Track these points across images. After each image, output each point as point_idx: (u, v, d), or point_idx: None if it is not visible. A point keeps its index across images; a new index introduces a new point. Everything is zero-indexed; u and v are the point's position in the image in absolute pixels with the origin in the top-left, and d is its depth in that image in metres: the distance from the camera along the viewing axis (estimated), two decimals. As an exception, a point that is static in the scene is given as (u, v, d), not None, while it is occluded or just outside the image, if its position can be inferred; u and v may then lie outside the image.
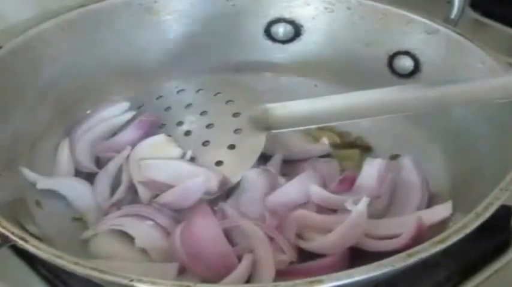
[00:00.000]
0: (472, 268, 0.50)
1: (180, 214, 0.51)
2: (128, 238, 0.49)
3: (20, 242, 0.41)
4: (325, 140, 0.60)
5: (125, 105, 0.62)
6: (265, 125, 0.55)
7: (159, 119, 0.59)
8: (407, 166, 0.55)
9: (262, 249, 0.46)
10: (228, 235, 0.48)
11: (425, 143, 0.60)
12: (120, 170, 0.55)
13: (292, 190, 0.52)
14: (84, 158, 0.57)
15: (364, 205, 0.47)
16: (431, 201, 0.53)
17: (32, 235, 0.43)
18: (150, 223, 0.49)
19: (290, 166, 0.57)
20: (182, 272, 0.45)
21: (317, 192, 0.51)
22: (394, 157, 0.59)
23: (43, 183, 0.54)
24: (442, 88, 0.53)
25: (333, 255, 0.46)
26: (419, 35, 0.62)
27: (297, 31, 0.68)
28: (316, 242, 0.48)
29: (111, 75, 0.64)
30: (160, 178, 0.53)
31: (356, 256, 0.47)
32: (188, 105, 0.60)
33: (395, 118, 0.60)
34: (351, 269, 0.38)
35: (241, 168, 0.53)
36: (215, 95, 0.60)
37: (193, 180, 0.51)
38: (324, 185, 0.53)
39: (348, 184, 0.53)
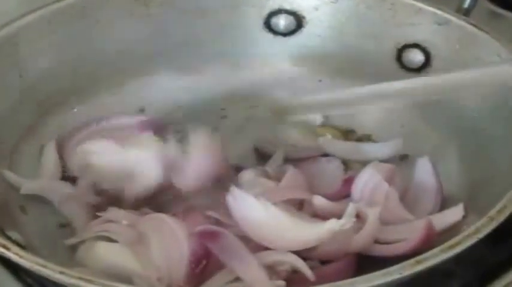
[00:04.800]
0: (488, 277, 0.50)
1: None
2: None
3: (2, 250, 0.41)
4: (328, 138, 0.60)
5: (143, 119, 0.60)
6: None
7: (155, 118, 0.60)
8: (423, 167, 0.55)
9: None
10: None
11: (437, 143, 0.60)
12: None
13: None
14: (72, 161, 0.57)
15: (351, 216, 0.47)
16: (443, 204, 0.53)
17: (14, 242, 0.43)
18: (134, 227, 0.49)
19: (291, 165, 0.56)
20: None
21: (320, 203, 0.51)
22: (403, 157, 0.59)
23: (27, 187, 0.54)
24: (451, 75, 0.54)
25: (338, 262, 0.47)
26: (430, 26, 0.62)
27: (299, 23, 0.68)
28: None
29: (100, 71, 0.64)
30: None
31: (364, 264, 0.47)
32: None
33: (406, 116, 0.60)
34: (356, 277, 0.38)
35: None
36: None
37: (147, 161, 0.51)
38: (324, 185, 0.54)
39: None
